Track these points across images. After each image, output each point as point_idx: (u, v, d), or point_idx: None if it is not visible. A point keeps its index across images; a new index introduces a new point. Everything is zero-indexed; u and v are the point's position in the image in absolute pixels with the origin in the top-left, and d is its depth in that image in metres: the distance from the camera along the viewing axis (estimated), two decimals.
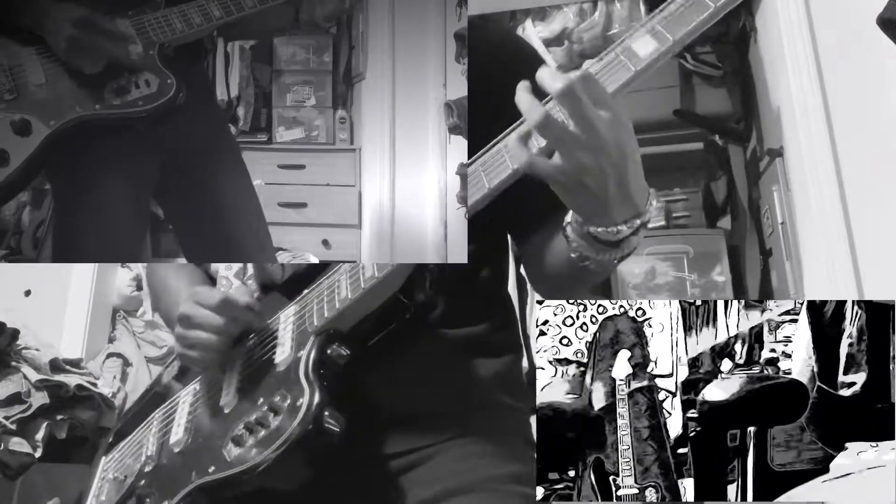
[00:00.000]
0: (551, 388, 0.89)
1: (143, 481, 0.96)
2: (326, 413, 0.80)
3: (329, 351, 0.87)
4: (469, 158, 0.80)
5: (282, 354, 0.91)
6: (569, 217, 0.79)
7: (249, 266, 1.11)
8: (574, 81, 0.69)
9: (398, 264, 0.86)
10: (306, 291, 0.96)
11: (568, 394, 0.89)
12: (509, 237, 1.08)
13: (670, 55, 0.74)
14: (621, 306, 0.89)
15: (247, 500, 0.83)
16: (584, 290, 0.98)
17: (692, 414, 0.86)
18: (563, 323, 0.89)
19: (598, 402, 0.87)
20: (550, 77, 0.71)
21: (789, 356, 0.85)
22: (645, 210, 0.76)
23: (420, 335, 0.94)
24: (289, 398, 0.83)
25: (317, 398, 0.81)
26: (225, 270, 1.14)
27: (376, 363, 0.91)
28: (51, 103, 1.13)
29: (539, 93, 0.73)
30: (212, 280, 1.16)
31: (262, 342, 0.96)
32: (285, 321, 0.95)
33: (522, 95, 0.73)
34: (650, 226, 0.79)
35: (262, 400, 0.87)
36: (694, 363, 0.88)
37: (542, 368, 0.89)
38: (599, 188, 0.72)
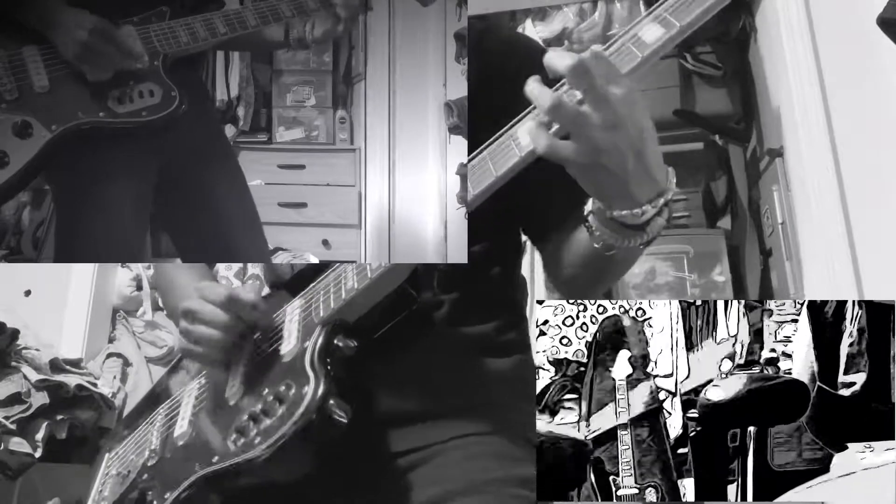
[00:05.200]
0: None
1: (145, 475, 0.95)
2: (332, 402, 0.79)
3: (336, 341, 0.86)
4: (469, 156, 0.80)
5: (288, 346, 0.90)
6: (589, 206, 0.77)
7: (250, 266, 1.10)
8: (584, 58, 0.68)
9: (407, 264, 0.86)
10: (312, 285, 0.95)
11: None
12: (524, 236, 1.07)
13: (676, 42, 0.72)
14: (621, 306, 0.89)
15: (251, 492, 0.83)
16: (606, 286, 0.97)
17: (692, 414, 0.86)
18: (563, 323, 0.89)
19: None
20: (560, 56, 0.69)
21: (789, 356, 0.85)
22: (667, 187, 0.74)
23: (428, 333, 0.94)
24: (294, 387, 0.82)
25: (322, 386, 0.80)
26: (225, 270, 1.14)
27: (383, 360, 0.91)
28: (53, 107, 1.13)
29: (549, 85, 0.72)
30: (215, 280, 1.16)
31: (268, 337, 0.95)
32: (291, 314, 0.95)
33: (532, 85, 0.72)
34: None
35: (266, 390, 0.86)
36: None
37: (543, 368, 0.89)
38: (618, 166, 0.70)
